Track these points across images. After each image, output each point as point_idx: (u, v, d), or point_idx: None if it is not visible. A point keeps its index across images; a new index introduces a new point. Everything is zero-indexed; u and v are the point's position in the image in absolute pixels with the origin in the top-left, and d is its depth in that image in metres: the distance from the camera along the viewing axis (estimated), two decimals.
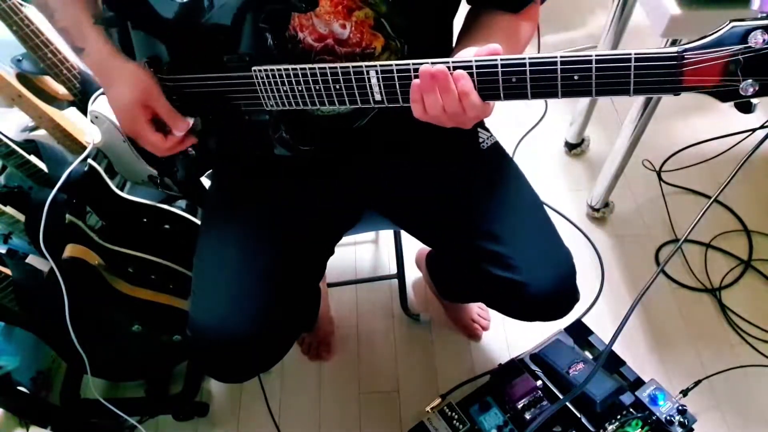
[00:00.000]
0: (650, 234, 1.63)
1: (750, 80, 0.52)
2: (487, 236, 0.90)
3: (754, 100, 0.54)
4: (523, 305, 0.93)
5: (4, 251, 1.16)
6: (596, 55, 0.56)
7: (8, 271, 1.05)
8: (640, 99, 1.32)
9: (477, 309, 1.46)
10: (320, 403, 1.40)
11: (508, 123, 1.94)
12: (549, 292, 0.89)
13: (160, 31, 0.78)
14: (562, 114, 1.95)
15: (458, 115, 0.65)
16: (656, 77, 0.55)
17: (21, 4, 1.18)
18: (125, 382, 1.42)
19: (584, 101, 1.70)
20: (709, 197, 1.67)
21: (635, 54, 0.55)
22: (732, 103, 0.55)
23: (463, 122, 0.67)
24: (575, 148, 1.84)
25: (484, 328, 1.45)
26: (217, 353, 0.88)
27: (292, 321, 0.96)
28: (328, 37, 0.76)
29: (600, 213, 1.66)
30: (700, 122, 1.86)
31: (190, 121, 0.80)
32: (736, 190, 1.69)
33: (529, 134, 1.92)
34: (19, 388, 1.19)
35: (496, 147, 0.99)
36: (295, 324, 1.00)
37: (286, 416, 1.38)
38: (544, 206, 0.96)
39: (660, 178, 1.73)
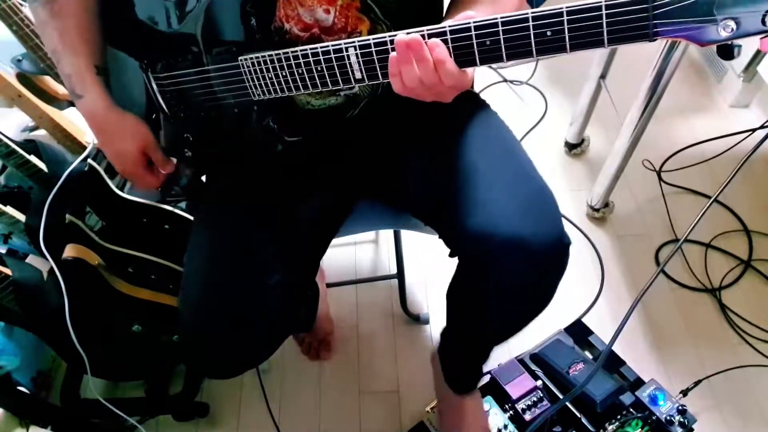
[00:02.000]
0: (650, 234, 1.63)
1: (727, 19, 0.50)
2: (457, 188, 0.83)
3: (736, 43, 0.52)
4: (505, 261, 0.79)
5: (4, 251, 1.17)
6: (566, 8, 0.56)
7: (8, 271, 1.05)
8: (640, 98, 1.32)
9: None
10: (320, 403, 1.40)
11: (508, 123, 1.93)
12: (526, 233, 0.76)
13: (153, 32, 0.78)
14: (562, 114, 1.95)
15: (435, 86, 0.65)
16: (629, 23, 0.54)
17: (21, 4, 1.18)
18: (125, 382, 1.42)
19: (584, 101, 1.70)
20: (709, 197, 1.67)
21: (606, 2, 0.54)
22: (714, 49, 0.54)
23: (441, 93, 0.67)
24: (575, 148, 1.84)
25: None
26: (203, 349, 0.88)
27: (280, 318, 0.94)
28: (313, 26, 0.76)
29: (600, 213, 1.66)
30: (700, 122, 1.86)
31: (174, 160, 0.90)
32: (736, 190, 1.69)
33: (529, 134, 1.92)
34: (19, 388, 1.19)
35: (472, 94, 0.98)
36: (284, 321, 0.99)
37: (286, 416, 1.38)
38: (519, 144, 0.93)
39: (660, 178, 1.73)
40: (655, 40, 0.55)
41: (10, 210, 1.09)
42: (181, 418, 1.36)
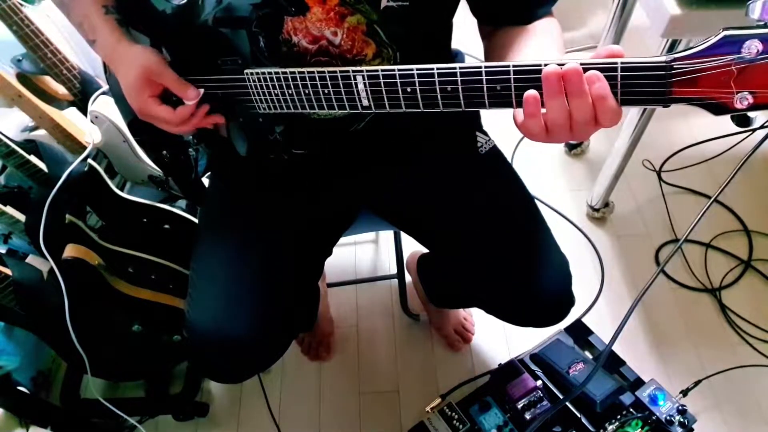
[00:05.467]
0: (650, 234, 1.63)
1: (744, 92, 0.49)
2: (486, 241, 0.90)
3: (750, 114, 0.51)
4: (521, 310, 0.93)
5: (4, 251, 1.16)
6: (581, 63, 0.54)
7: (8, 271, 1.05)
8: None
9: (461, 320, 1.45)
10: (320, 403, 1.40)
11: (509, 122, 1.93)
12: (547, 297, 0.89)
13: (159, 32, 0.78)
14: None
15: (584, 124, 0.57)
16: (644, 87, 0.53)
17: (21, 4, 1.18)
18: (125, 382, 1.42)
19: None
20: (709, 197, 1.67)
21: (621, 63, 0.52)
22: (729, 116, 0.52)
23: (578, 134, 0.58)
24: (575, 148, 1.84)
25: (466, 341, 1.44)
26: (214, 355, 0.88)
27: (289, 322, 0.96)
28: (322, 38, 0.76)
29: (600, 213, 1.66)
30: (700, 122, 1.86)
31: (201, 90, 0.75)
32: (736, 190, 1.69)
33: None
34: (19, 388, 1.19)
35: (494, 151, 0.98)
36: (292, 325, 1.00)
37: (286, 416, 1.38)
38: (540, 212, 0.96)
39: (660, 178, 1.73)
40: (669, 106, 0.53)
41: (10, 210, 1.09)
42: (181, 418, 1.36)
